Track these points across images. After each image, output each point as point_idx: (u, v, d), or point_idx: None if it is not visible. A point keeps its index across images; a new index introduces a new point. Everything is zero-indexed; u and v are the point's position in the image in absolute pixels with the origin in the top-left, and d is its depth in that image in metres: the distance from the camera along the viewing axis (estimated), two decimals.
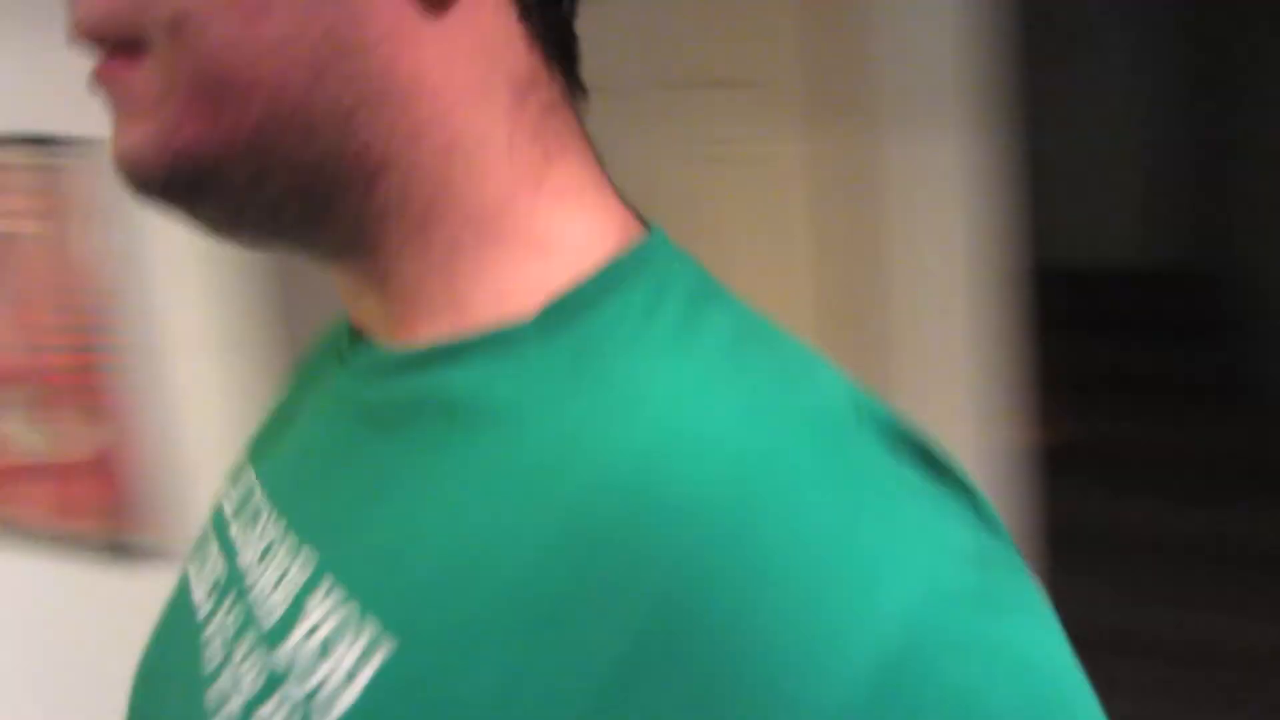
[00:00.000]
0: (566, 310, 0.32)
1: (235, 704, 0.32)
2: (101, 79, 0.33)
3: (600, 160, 0.39)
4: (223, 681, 0.33)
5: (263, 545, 0.36)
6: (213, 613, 0.37)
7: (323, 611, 0.31)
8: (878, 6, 1.18)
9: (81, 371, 1.45)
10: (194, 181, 0.33)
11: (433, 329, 0.35)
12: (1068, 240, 3.68)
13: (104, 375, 1.43)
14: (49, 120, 1.32)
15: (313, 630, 0.31)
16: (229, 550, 0.39)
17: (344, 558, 0.32)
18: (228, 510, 0.41)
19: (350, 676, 0.28)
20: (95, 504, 1.51)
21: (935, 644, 0.23)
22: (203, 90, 0.31)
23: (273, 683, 0.31)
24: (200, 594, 0.39)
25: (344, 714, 0.28)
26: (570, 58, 0.38)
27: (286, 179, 0.33)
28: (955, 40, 1.15)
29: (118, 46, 0.32)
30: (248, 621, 0.34)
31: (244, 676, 0.32)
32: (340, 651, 0.29)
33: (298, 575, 0.33)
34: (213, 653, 0.35)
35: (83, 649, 1.60)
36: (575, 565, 0.26)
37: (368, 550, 0.31)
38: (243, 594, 0.35)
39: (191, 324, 1.35)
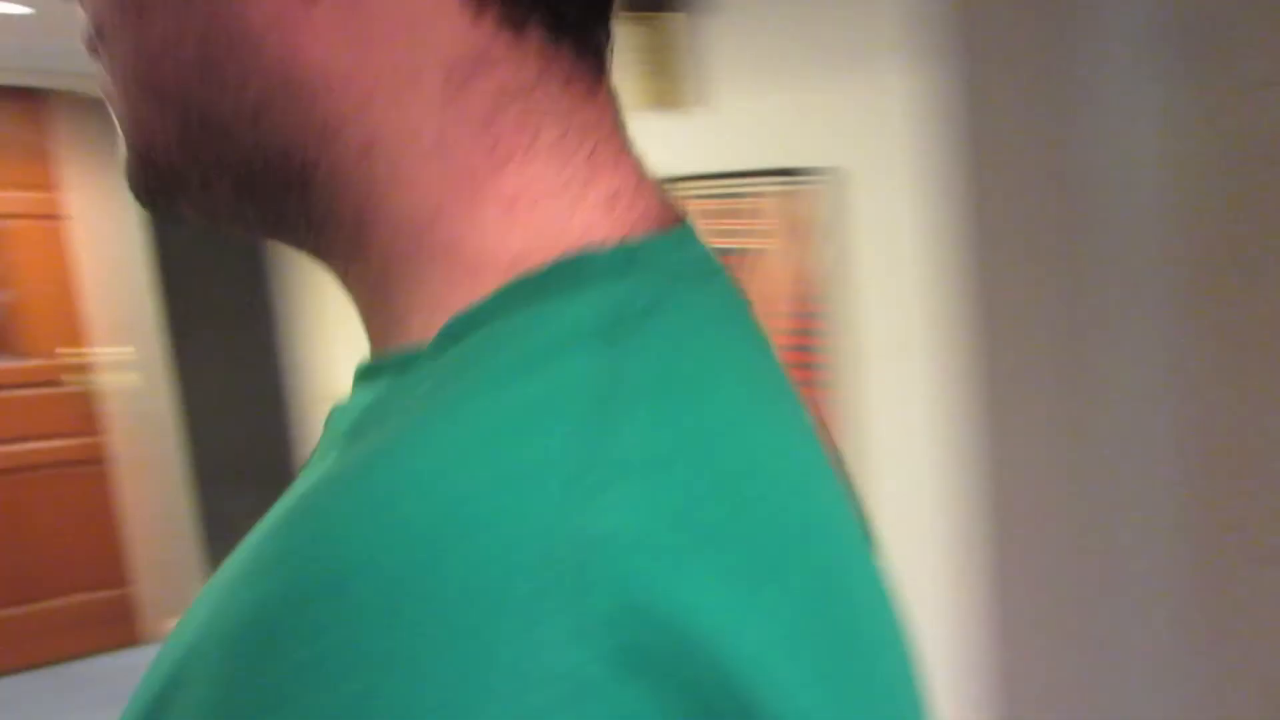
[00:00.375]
0: (450, 337, 0.29)
1: None
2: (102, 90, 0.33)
3: (619, 147, 0.33)
4: None
5: None
6: None
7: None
8: None
9: (794, 369, 1.64)
10: (162, 185, 0.33)
11: (384, 345, 0.32)
12: None
13: (814, 374, 1.60)
14: (794, 154, 1.58)
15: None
16: None
17: (197, 601, 0.29)
18: None
19: None
20: None
21: None
22: (131, 97, 0.31)
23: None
24: None
25: None
26: (566, 22, 0.31)
27: (228, 180, 0.31)
28: None
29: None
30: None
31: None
32: None
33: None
34: None
35: None
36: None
37: (201, 598, 0.28)
38: None
39: (891, 333, 1.47)
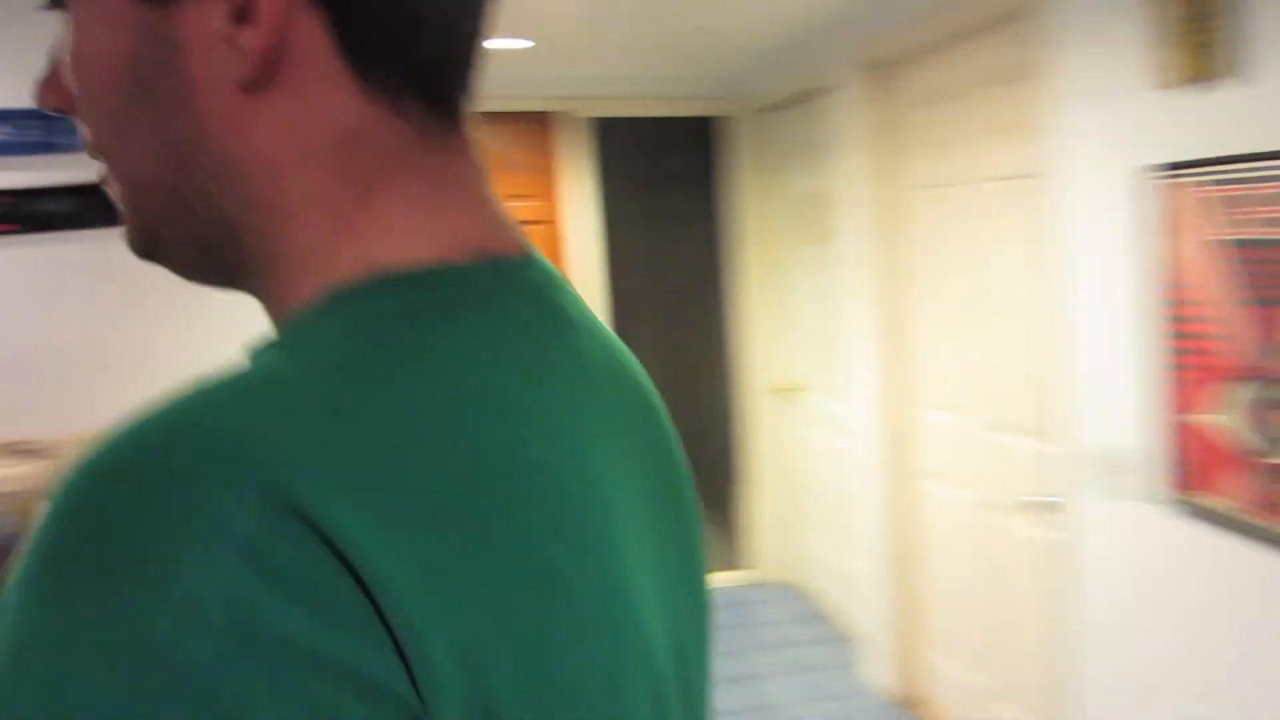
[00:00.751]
0: (290, 323, 0.40)
1: None
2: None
3: (467, 194, 0.42)
4: None
5: None
6: None
7: None
8: None
9: None
10: (152, 250, 0.44)
11: None
12: None
13: None
14: None
15: None
16: None
17: None
18: None
19: None
20: None
21: None
22: (128, 190, 0.43)
23: None
24: None
25: None
26: (437, 96, 0.41)
27: (192, 245, 0.43)
28: None
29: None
30: None
31: None
32: None
33: None
34: None
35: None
36: None
37: None
38: None
39: None
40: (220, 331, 3.39)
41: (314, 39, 0.38)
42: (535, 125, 3.56)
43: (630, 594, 0.40)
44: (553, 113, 3.55)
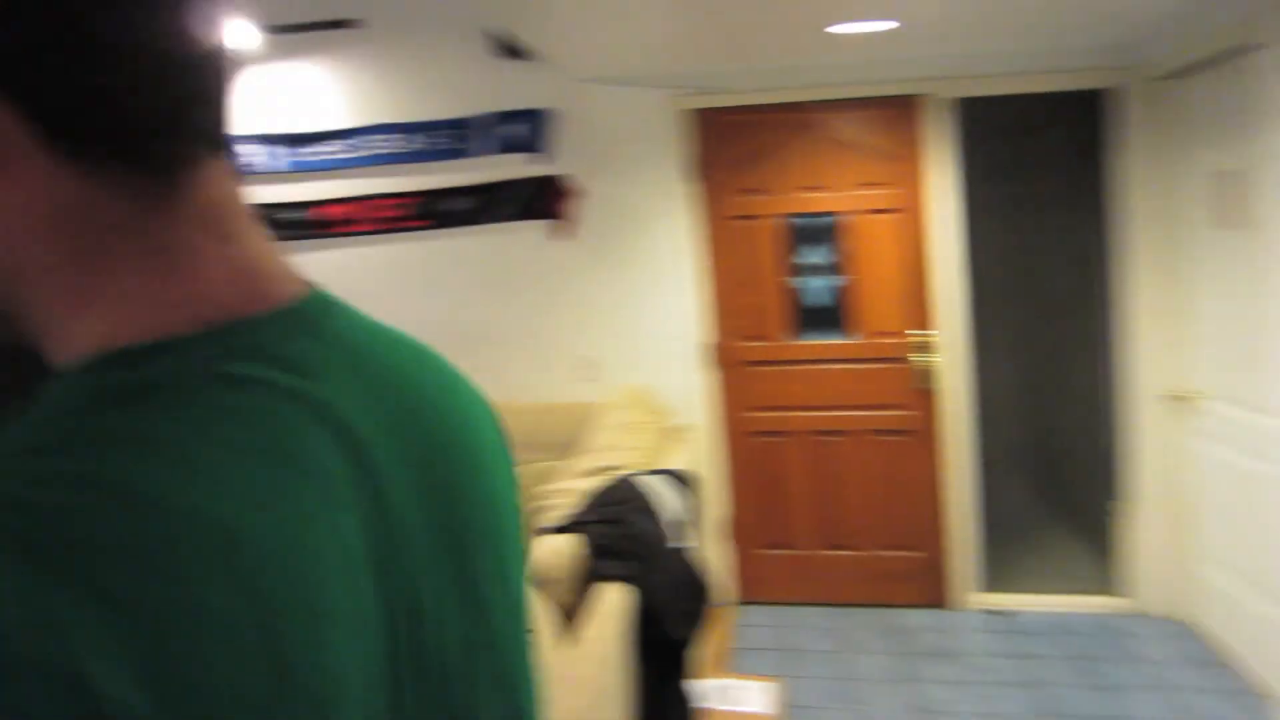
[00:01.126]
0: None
1: None
2: None
3: (201, 255, 0.45)
4: None
5: None
6: None
7: None
8: None
9: None
10: None
11: None
12: None
13: None
14: None
15: None
16: None
17: None
18: None
19: None
20: None
21: None
22: None
23: None
24: None
25: None
26: (150, 161, 0.44)
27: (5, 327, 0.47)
28: None
29: None
30: None
31: None
32: None
33: None
34: None
35: None
36: None
37: None
38: None
39: None
40: (579, 311, 3.69)
41: (7, 126, 0.41)
42: (898, 109, 3.41)
43: (340, 669, 0.42)
44: (916, 95, 3.39)
